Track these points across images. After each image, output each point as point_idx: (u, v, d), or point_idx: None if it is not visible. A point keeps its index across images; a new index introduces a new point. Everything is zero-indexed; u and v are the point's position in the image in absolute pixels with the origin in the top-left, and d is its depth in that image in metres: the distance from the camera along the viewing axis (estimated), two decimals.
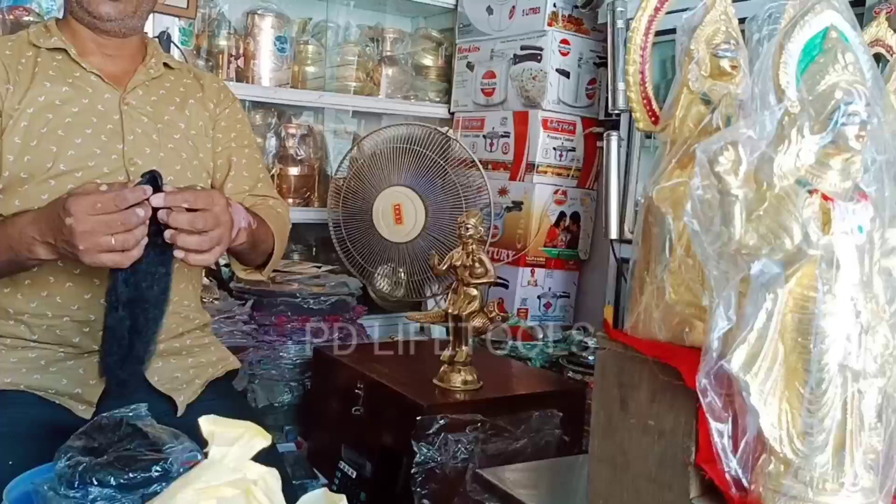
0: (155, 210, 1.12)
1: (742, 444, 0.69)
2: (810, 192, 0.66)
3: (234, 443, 0.65)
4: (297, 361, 2.10)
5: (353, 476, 1.65)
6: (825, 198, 0.66)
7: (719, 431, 0.69)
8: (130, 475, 1.03)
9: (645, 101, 0.83)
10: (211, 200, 1.16)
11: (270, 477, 0.69)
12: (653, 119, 0.84)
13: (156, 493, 0.88)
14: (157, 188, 1.12)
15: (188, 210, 1.13)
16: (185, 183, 1.40)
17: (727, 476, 0.70)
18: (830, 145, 0.66)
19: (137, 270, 1.15)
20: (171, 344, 1.39)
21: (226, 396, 1.47)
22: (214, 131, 1.53)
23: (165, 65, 1.49)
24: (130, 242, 1.10)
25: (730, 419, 0.69)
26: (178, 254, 1.14)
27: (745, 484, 0.70)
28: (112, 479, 1.03)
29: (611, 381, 0.81)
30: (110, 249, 1.10)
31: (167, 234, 1.13)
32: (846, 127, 0.65)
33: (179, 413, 1.35)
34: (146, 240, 1.12)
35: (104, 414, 1.17)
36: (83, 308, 1.33)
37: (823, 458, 0.66)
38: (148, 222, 1.12)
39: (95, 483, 1.02)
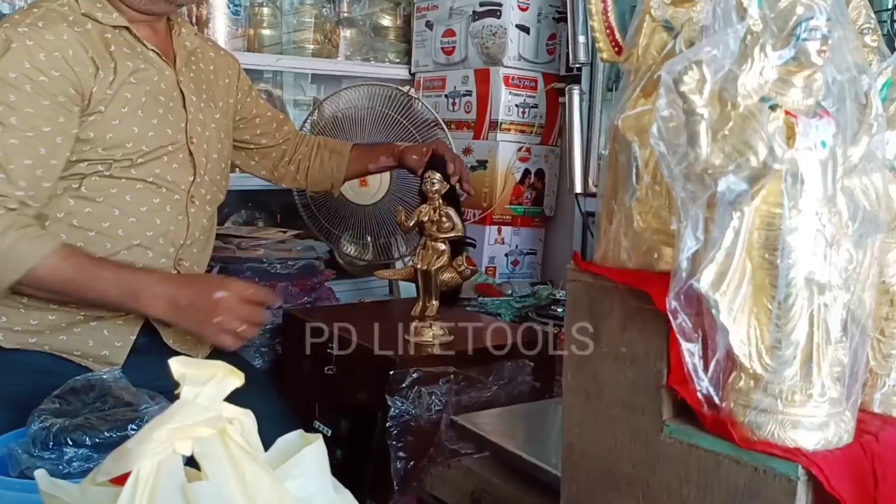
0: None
1: (713, 363, 0.70)
2: (773, 108, 0.66)
3: (206, 382, 0.64)
4: (267, 327, 2.07)
5: (329, 435, 1.65)
6: (788, 114, 0.66)
7: (690, 352, 0.70)
8: (106, 434, 1.02)
9: (608, 31, 0.83)
10: None
11: (246, 418, 0.68)
12: (616, 49, 0.83)
13: None
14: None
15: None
16: (224, 163, 1.50)
17: (699, 395, 0.71)
18: (793, 62, 0.66)
19: None
20: None
21: (229, 355, 1.51)
22: (241, 109, 1.61)
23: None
24: (250, 335, 1.31)
25: (700, 339, 0.70)
26: None
27: (717, 401, 0.71)
28: (87, 438, 1.02)
29: (582, 312, 0.81)
30: (234, 335, 1.29)
31: None
32: (808, 42, 0.65)
33: None
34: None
35: (77, 377, 1.17)
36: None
37: (792, 371, 0.67)
38: None
39: (70, 443, 1.01)
